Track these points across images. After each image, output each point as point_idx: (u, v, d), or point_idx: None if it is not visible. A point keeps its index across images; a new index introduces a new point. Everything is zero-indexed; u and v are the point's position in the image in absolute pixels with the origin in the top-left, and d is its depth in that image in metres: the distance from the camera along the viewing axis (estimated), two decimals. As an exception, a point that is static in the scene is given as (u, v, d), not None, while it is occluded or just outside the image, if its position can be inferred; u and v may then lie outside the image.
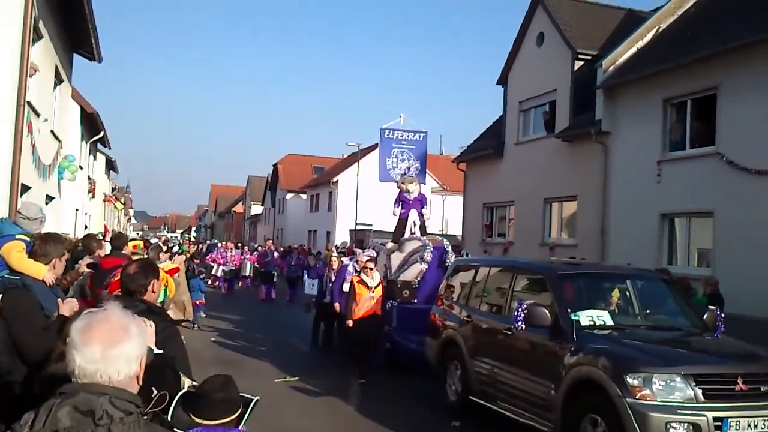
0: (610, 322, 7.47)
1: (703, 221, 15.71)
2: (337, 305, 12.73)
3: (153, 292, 4.06)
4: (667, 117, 16.68)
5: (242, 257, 26.40)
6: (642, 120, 17.13)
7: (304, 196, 57.78)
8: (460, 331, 9.25)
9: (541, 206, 20.99)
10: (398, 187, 14.18)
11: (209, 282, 25.06)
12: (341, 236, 43.25)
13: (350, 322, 11.08)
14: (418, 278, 12.45)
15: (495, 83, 23.38)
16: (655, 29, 18.53)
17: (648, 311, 8.34)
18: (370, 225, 37.35)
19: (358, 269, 12.16)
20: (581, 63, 19.63)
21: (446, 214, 46.14)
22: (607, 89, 18.08)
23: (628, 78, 17.51)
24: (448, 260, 12.42)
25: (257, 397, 3.10)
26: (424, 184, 14.86)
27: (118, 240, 8.82)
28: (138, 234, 62.09)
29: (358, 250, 12.78)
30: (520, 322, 7.40)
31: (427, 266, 12.46)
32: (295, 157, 63.26)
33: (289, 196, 59.69)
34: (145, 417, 1.89)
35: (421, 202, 13.99)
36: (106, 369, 1.84)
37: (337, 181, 47.92)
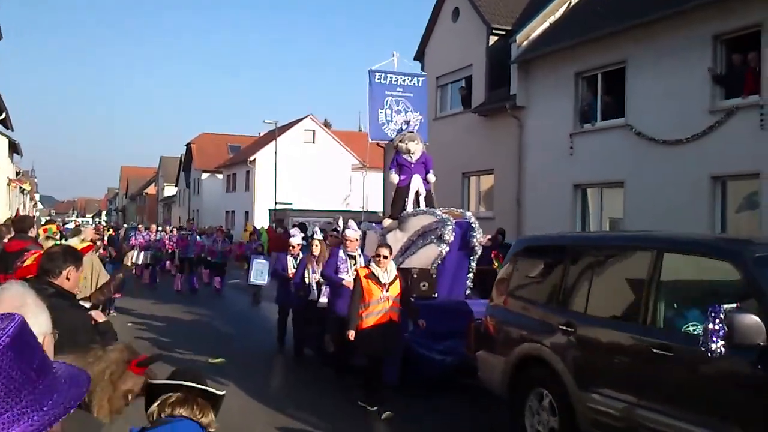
0: None
1: (614, 191, 16.35)
2: (347, 281, 9.12)
3: (68, 279, 4.02)
4: (579, 91, 17.20)
5: (171, 243, 23.10)
6: (555, 94, 17.60)
7: (220, 176, 56.73)
8: (554, 347, 6.16)
9: (460, 180, 21.33)
10: (395, 148, 11.19)
11: (133, 271, 23.37)
12: (260, 216, 42.84)
13: (352, 333, 7.78)
14: (435, 265, 9.65)
15: (412, 59, 23.50)
16: (566, 4, 19.00)
17: None
18: (290, 204, 37.11)
19: (350, 252, 9.33)
20: (496, 38, 19.96)
21: (367, 190, 46.37)
22: (521, 64, 18.47)
23: (541, 53, 17.95)
24: (474, 239, 9.86)
25: (223, 392, 2.97)
26: (427, 143, 11.61)
27: (23, 222, 8.41)
28: (45, 219, 59.52)
29: (348, 230, 9.63)
30: (717, 342, 4.46)
31: (447, 248, 9.67)
32: (209, 135, 61.91)
33: (204, 176, 58.48)
34: None
35: (425, 165, 11.03)
36: None
37: (254, 159, 47.24)
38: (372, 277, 7.85)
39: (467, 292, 9.89)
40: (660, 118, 14.63)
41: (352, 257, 9.37)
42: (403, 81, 12.97)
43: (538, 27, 18.74)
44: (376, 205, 39.75)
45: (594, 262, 6.38)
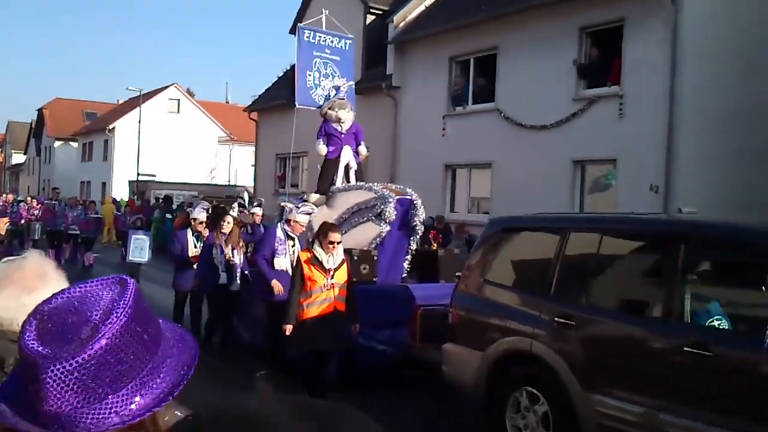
0: None
1: (482, 172, 17.11)
2: (275, 283, 8.03)
3: None
4: (452, 74, 17.78)
5: (30, 215, 20.77)
6: (430, 76, 18.09)
7: (75, 144, 53.70)
8: (548, 342, 5.44)
9: (334, 157, 21.47)
10: (323, 115, 10.10)
11: None
12: (119, 188, 41.04)
13: (289, 328, 6.80)
14: (374, 246, 8.73)
15: (288, 32, 23.29)
16: (442, -12, 19.50)
17: None
18: (154, 175, 35.84)
19: (291, 232, 8.33)
20: (373, 17, 20.17)
21: (234, 164, 45.51)
22: (397, 45, 18.82)
23: (417, 35, 18.36)
24: (416, 218, 9.00)
25: None
26: (354, 111, 10.47)
27: None
28: None
29: (288, 205, 8.61)
30: None
31: (388, 228, 8.78)
32: (63, 101, 58.29)
33: (57, 144, 55.12)
34: None
35: (355, 135, 10.05)
36: (22, 317, 1.80)
37: (113, 128, 45.11)
38: (315, 262, 6.81)
39: (404, 275, 9.20)
40: (527, 104, 15.43)
41: (292, 238, 8.36)
42: (331, 42, 11.70)
43: (414, 9, 19.13)
44: (245, 179, 39.20)
45: (597, 248, 5.58)
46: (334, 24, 12.72)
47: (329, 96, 10.63)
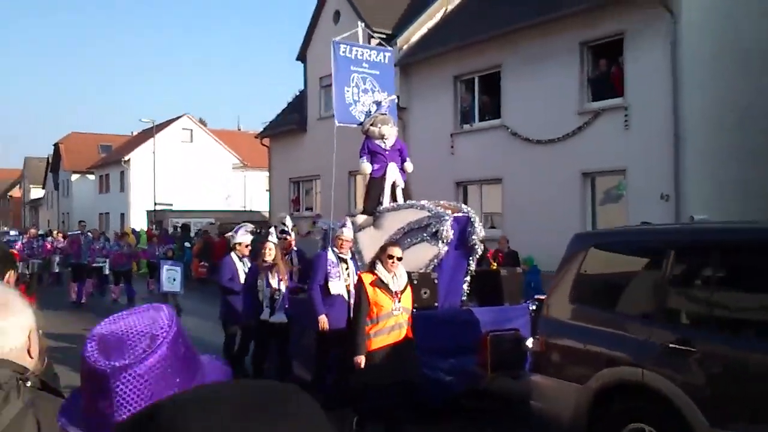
0: None
1: (493, 187, 17.25)
2: (323, 319, 7.49)
3: (8, 282, 3.94)
4: (458, 93, 17.98)
5: (53, 247, 20.99)
6: (435, 96, 18.31)
7: (92, 177, 54.41)
8: (663, 371, 4.75)
9: (346, 179, 21.68)
10: (365, 132, 9.55)
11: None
12: (137, 218, 41.54)
13: (362, 359, 6.09)
14: (431, 268, 8.11)
15: (295, 59, 23.66)
16: (443, 9, 19.75)
17: None
18: (171, 204, 36.26)
19: (342, 254, 7.82)
20: (377, 42, 20.41)
21: (249, 190, 45.95)
22: (402, 67, 19.04)
23: (420, 57, 18.60)
24: (474, 236, 8.27)
25: None
26: (396, 126, 10.05)
27: None
28: None
29: (344, 229, 8.13)
30: None
31: (446, 248, 8.18)
32: (78, 135, 59.14)
33: (74, 177, 55.88)
34: (30, 384, 1.80)
35: (401, 152, 9.55)
36: None
37: (129, 159, 45.70)
38: (380, 284, 6.17)
39: (463, 298, 8.63)
40: (533, 119, 15.59)
41: (344, 260, 7.85)
42: (369, 56, 11.13)
43: (417, 31, 19.40)
44: (259, 203, 39.55)
45: (712, 263, 4.95)
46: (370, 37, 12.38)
47: (370, 112, 10.12)
